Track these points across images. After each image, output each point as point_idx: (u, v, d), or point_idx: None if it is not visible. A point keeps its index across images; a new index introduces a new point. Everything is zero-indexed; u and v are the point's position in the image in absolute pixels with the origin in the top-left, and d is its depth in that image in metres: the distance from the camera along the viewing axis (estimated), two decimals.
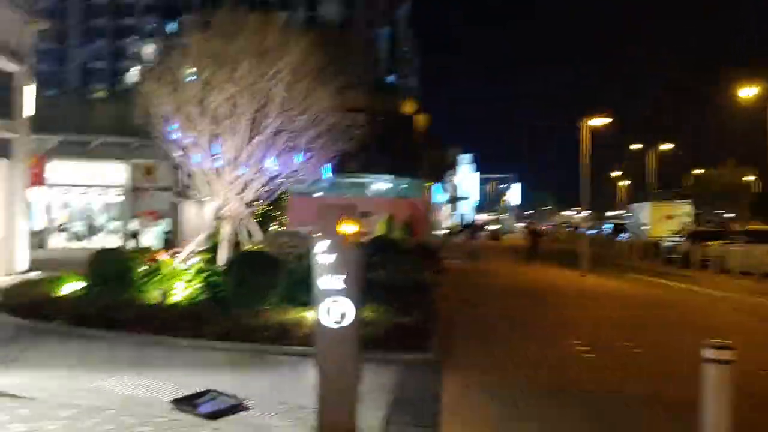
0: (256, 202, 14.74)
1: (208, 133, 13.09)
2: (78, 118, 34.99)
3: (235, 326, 9.33)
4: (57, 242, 35.55)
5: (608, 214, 73.89)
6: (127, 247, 32.87)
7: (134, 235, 35.84)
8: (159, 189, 38.03)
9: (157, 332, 9.45)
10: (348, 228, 5.36)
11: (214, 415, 5.91)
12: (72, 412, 6.09)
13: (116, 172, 36.66)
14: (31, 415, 5.97)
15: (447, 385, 7.47)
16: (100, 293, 11.53)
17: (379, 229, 29.10)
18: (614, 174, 72.44)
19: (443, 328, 10.66)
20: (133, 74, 79.75)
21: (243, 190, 13.65)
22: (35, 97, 25.95)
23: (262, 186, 13.77)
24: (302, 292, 10.55)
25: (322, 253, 5.41)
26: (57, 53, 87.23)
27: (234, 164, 13.33)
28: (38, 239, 34.77)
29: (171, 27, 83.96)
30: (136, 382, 7.10)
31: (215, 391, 6.43)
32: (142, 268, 12.28)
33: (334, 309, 5.39)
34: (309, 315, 9.79)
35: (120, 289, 11.57)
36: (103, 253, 12.55)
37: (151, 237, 36.98)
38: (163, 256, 16.57)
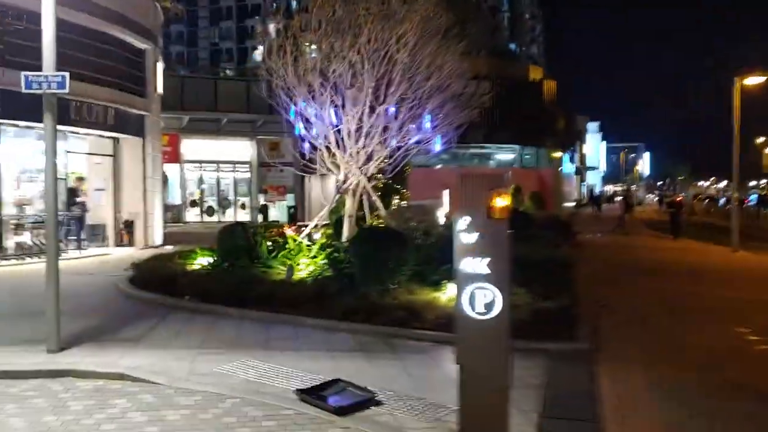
0: (378, 176, 14.15)
1: (329, 104, 12.59)
2: (208, 97, 36.12)
3: (361, 306, 8.77)
4: (191, 216, 37.14)
5: (752, 183, 67.72)
6: (256, 221, 33.82)
7: (262, 209, 36.74)
8: (284, 164, 38.71)
9: (282, 310, 9.08)
10: (496, 202, 4.50)
11: (343, 411, 5.31)
12: (194, 399, 5.71)
13: (244, 149, 37.66)
14: (152, 402, 5.64)
15: (603, 381, 6.49)
16: (227, 268, 11.40)
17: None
18: (760, 140, 66.16)
19: (589, 312, 9.58)
20: (258, 52, 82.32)
21: (365, 163, 13.08)
22: (168, 76, 26.85)
23: (385, 158, 13.13)
24: (431, 270, 9.87)
25: (464, 231, 4.59)
26: (188, 35, 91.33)
27: (356, 136, 12.78)
28: (174, 214, 36.52)
29: (294, 4, 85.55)
30: (261, 367, 6.67)
31: (343, 381, 5.83)
32: (268, 243, 12.05)
33: (479, 297, 4.57)
34: (440, 296, 9.07)
35: (247, 265, 11.38)
36: (231, 228, 12.41)
37: (277, 211, 37.82)
38: (288, 231, 16.46)
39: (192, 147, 36.44)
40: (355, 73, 12.19)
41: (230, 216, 37.65)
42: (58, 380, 6.26)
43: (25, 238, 16.15)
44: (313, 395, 5.56)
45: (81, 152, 19.14)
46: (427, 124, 13.11)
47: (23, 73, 6.89)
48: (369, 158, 13.01)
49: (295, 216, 31.43)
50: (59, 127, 17.33)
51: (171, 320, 9.05)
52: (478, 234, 4.53)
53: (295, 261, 11.06)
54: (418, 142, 13.05)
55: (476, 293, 4.58)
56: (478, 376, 4.60)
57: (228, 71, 65.07)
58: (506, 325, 4.60)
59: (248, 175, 38.50)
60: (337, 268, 10.32)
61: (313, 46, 12.60)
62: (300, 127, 13.16)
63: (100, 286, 12.08)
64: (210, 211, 37.47)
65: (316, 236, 13.33)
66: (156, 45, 20.46)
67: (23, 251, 15.86)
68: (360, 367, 6.64)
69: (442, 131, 13.19)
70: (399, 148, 13.03)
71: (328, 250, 11.09)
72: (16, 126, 16.08)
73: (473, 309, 4.59)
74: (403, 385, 6.08)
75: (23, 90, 6.93)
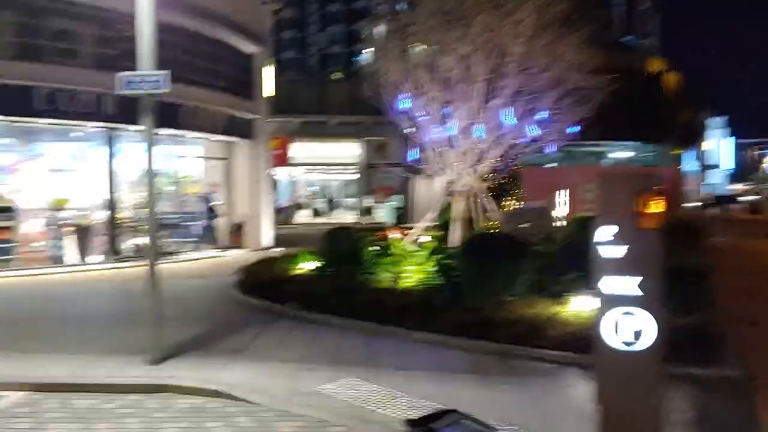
0: (491, 176, 13.32)
1: (438, 100, 11.93)
2: (316, 101, 36.51)
3: (473, 319, 8.04)
4: (300, 218, 37.65)
5: None
6: (362, 223, 33.76)
7: (368, 211, 36.67)
8: (390, 165, 38.51)
9: (387, 321, 8.50)
10: (648, 207, 3.67)
11: None
12: (294, 426, 5.21)
13: (351, 150, 37.75)
14: (249, 428, 5.19)
15: (766, 417, 5.43)
16: (332, 274, 10.99)
17: None
18: None
19: (735, 330, 8.36)
20: (366, 55, 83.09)
21: (477, 162, 12.31)
22: (278, 81, 27.19)
23: (499, 157, 12.30)
24: (552, 280, 8.98)
25: (607, 243, 3.79)
26: (298, 41, 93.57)
27: (467, 133, 12.04)
28: (284, 216, 37.15)
29: (402, 6, 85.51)
30: (366, 388, 6.09)
31: (458, 412, 5.13)
32: (373, 247, 11.54)
33: (626, 324, 3.76)
34: (563, 309, 8.17)
35: (352, 270, 10.92)
36: (334, 232, 12.03)
37: (383, 213, 37.63)
38: (393, 234, 15.94)
39: (301, 150, 36.90)
40: (467, 67, 11.46)
41: (338, 218, 37.89)
42: (155, 396, 5.97)
43: (143, 240, 16.57)
44: (425, 428, 4.90)
45: (196, 156, 19.54)
46: (542, 121, 12.15)
47: (119, 75, 6.69)
48: (480, 157, 12.24)
49: (402, 218, 30.99)
50: (173, 131, 17.89)
51: (274, 328, 8.70)
52: (626, 247, 3.72)
53: (401, 268, 10.48)
54: (533, 140, 12.13)
55: (622, 319, 3.76)
56: (622, 421, 3.78)
57: (337, 74, 65.75)
58: (659, 359, 3.75)
59: (355, 176, 38.58)
60: (447, 277, 9.63)
61: (420, 41, 11.98)
62: (407, 126, 12.57)
63: (210, 290, 12.03)
64: (318, 213, 37.84)
65: (422, 239, 12.73)
66: (264, 48, 20.59)
67: (140, 253, 16.27)
68: (476, 393, 5.93)
69: (558, 128, 12.19)
70: (512, 146, 12.16)
71: (437, 256, 10.42)
72: (139, 131, 16.53)
73: (618, 338, 3.78)
74: (527, 418, 5.30)
75: (120, 91, 6.74)
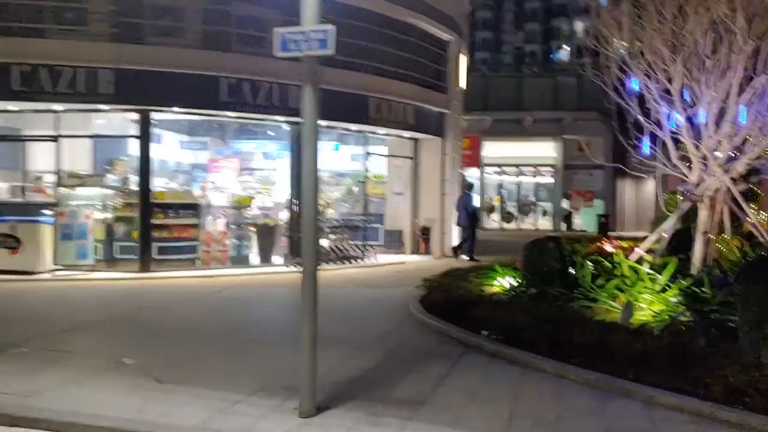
0: (748, 177, 10.28)
1: (681, 79, 9.25)
2: (512, 96, 34.13)
3: (752, 380, 5.46)
4: (490, 223, 35.45)
5: None
6: (561, 230, 30.73)
7: (566, 217, 33.52)
8: (592, 167, 34.95)
9: (618, 372, 6.16)
10: None
11: None
12: None
13: (547, 150, 34.85)
14: None
15: None
16: (536, 296, 8.81)
17: None
18: None
19: None
20: (565, 52, 78.45)
21: (730, 159, 9.43)
22: (471, 77, 25.33)
23: (762, 152, 9.30)
24: None
25: None
26: (493, 40, 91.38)
27: (720, 121, 9.23)
28: None
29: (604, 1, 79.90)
30: None
31: None
32: (590, 266, 9.18)
33: None
34: None
35: (561, 294, 8.66)
36: (541, 244, 9.79)
37: (582, 219, 34.24)
38: (608, 247, 13.29)
39: (492, 149, 34.74)
40: (725, 31, 8.69)
41: (530, 223, 35.17)
42: None
43: (324, 243, 15.48)
44: None
45: (381, 154, 18.27)
46: None
47: (278, 31, 5.10)
48: (734, 153, 9.35)
49: (607, 226, 27.57)
50: (359, 126, 16.72)
51: (465, 367, 6.74)
52: None
53: (632, 295, 8.01)
54: None
55: None
56: None
57: (534, 70, 62.45)
58: None
59: (551, 179, 35.58)
60: (701, 312, 7.05)
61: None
62: (634, 113, 9.98)
63: (387, 304, 10.40)
64: (509, 218, 35.37)
65: (639, 251, 10.14)
66: (460, 36, 18.80)
67: (320, 257, 15.19)
68: None
69: None
70: None
71: (683, 282, 7.82)
72: (319, 125, 15.49)
73: None
74: None
75: (278, 53, 5.15)
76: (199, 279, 13.13)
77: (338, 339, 7.89)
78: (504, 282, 10.14)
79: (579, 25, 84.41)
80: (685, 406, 5.48)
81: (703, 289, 7.58)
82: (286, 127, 15.08)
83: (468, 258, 16.82)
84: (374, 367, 6.72)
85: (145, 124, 13.62)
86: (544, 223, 34.72)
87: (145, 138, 13.63)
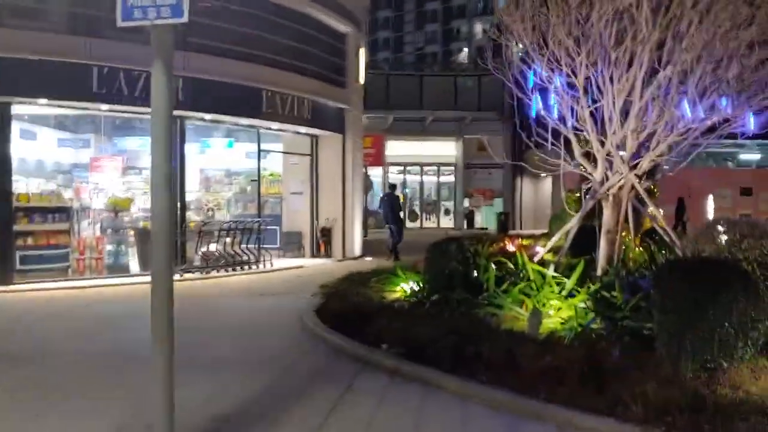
0: (653, 175, 10.06)
1: (584, 71, 8.86)
2: (413, 95, 33.82)
3: (673, 396, 4.97)
4: None
5: None
6: (463, 229, 30.65)
7: (469, 216, 33.56)
8: (491, 166, 35.24)
9: (530, 389, 5.54)
10: None
11: None
12: None
13: (449, 149, 34.80)
14: None
15: None
16: (438, 303, 8.16)
17: None
18: None
19: None
20: (464, 54, 79.60)
21: (635, 156, 9.14)
22: (372, 75, 24.69)
23: (669, 148, 9.05)
24: None
25: None
26: (394, 41, 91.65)
27: (623, 117, 8.91)
28: (377, 220, 34.58)
29: (501, 3, 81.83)
30: None
31: None
32: (493, 267, 8.63)
33: None
34: None
35: (465, 299, 8.05)
36: (442, 246, 9.17)
37: (482, 218, 34.41)
38: (510, 247, 12.95)
39: (395, 148, 34.33)
40: (631, 20, 8.36)
41: (433, 222, 35.01)
42: None
43: (213, 248, 14.31)
44: None
45: (276, 151, 17.25)
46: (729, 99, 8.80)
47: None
48: (642, 147, 9.07)
49: (506, 224, 27.69)
50: (251, 121, 15.64)
51: (361, 390, 5.94)
52: None
53: (539, 300, 7.49)
54: (725, 122, 8.78)
55: None
56: None
57: (434, 68, 62.81)
58: None
59: (452, 177, 35.60)
60: (612, 319, 6.58)
61: None
62: (536, 108, 9.52)
63: (281, 316, 9.47)
64: (413, 216, 35.03)
65: (541, 251, 9.77)
66: (359, 29, 18.05)
67: (209, 263, 14.01)
68: None
69: (754, 107, 8.79)
70: (687, 131, 8.85)
71: (591, 285, 7.38)
72: (203, 120, 14.33)
73: None
74: None
75: (121, 23, 4.14)
76: (69, 291, 11.69)
77: (222, 360, 6.96)
78: (407, 287, 9.45)
79: (478, 27, 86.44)
80: (603, 429, 4.92)
81: (613, 293, 7.15)
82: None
83: (393, 258, 16.37)
84: (260, 394, 5.80)
85: (4, 117, 12.02)
86: (447, 222, 34.67)
87: (3, 133, 12.01)
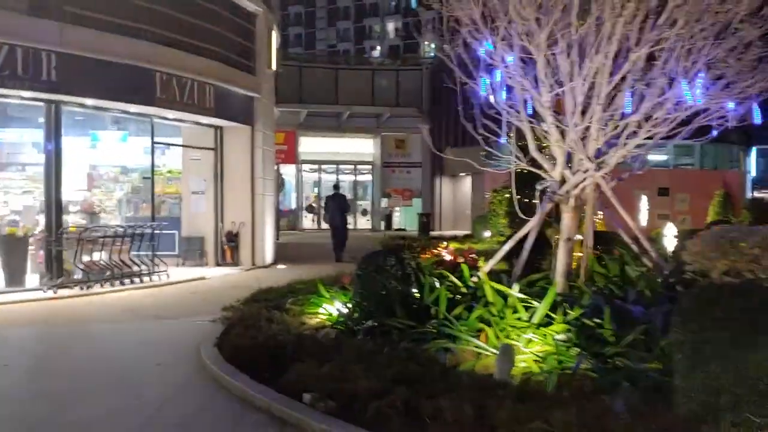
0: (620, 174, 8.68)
1: (545, 50, 7.40)
2: (328, 89, 32.05)
3: None
4: (308, 223, 33.07)
5: None
6: (381, 230, 29.03)
7: (388, 217, 32.08)
8: (410, 165, 33.97)
9: None
10: None
11: None
12: None
13: (366, 147, 33.28)
14: None
15: None
16: (376, 334, 6.47)
17: (712, 212, 21.56)
18: None
19: None
20: (377, 53, 78.40)
21: (601, 149, 7.78)
22: (285, 67, 22.69)
23: (641, 141, 7.72)
24: None
25: None
26: (306, 37, 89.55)
27: (590, 105, 7.52)
28: (290, 221, 32.54)
29: (414, 3, 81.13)
30: None
31: None
32: (440, 286, 7.02)
33: None
34: None
35: (411, 329, 6.40)
36: (375, 259, 7.49)
37: (402, 219, 33.08)
38: (446, 255, 11.49)
39: (309, 145, 32.51)
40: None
41: (350, 223, 33.30)
42: None
43: (97, 257, 12.04)
44: None
45: (173, 144, 15.06)
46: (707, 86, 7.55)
47: None
48: (609, 141, 7.71)
49: (428, 225, 26.37)
50: (142, 108, 13.43)
51: None
52: None
53: (503, 330, 5.92)
54: (694, 115, 7.50)
55: None
56: None
57: (349, 62, 61.16)
58: None
59: (369, 177, 34.08)
60: (600, 356, 5.10)
61: None
62: (487, 91, 7.99)
63: (173, 350, 7.49)
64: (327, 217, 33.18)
65: (489, 263, 8.26)
66: (270, 9, 16.10)
67: (92, 276, 11.74)
68: None
69: (734, 97, 7.59)
70: (663, 122, 7.54)
71: (571, 311, 5.88)
72: (83, 106, 12.01)
73: None
74: None
75: None
76: None
77: (85, 426, 5.00)
78: (332, 309, 7.70)
79: (390, 26, 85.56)
80: None
81: (597, 320, 5.69)
82: (35, 104, 11.40)
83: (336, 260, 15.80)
84: None
85: None
86: (365, 223, 33.12)
87: None
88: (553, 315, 5.99)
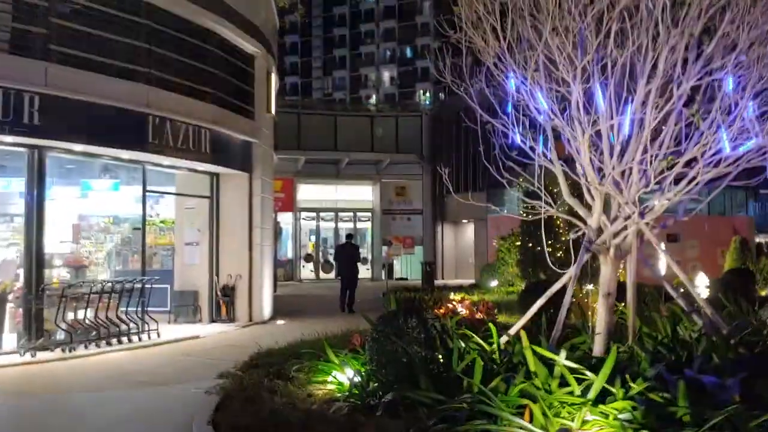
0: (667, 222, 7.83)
1: (580, 84, 6.63)
2: (327, 136, 31.55)
3: None
4: (306, 273, 32.06)
5: None
6: (382, 279, 27.90)
7: (388, 265, 31.11)
8: (410, 212, 33.23)
9: None
10: None
11: None
12: None
13: (365, 194, 32.55)
14: None
15: None
16: (399, 410, 5.49)
17: (729, 259, 20.67)
18: None
19: None
20: (373, 101, 78.73)
21: (643, 191, 6.93)
22: (283, 114, 22.11)
23: (687, 185, 6.88)
24: None
25: None
26: (302, 86, 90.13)
27: (629, 144, 6.72)
28: (287, 271, 31.53)
29: (409, 53, 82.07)
30: None
31: None
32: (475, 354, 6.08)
33: None
34: None
35: (440, 405, 5.43)
36: (392, 320, 6.57)
37: (404, 267, 32.15)
38: (461, 308, 10.53)
39: (308, 193, 31.77)
40: (639, 21, 6.23)
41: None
42: None
43: (82, 315, 11.06)
44: None
45: (166, 192, 14.24)
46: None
47: None
48: (652, 183, 6.86)
49: (432, 274, 25.38)
50: (134, 154, 12.63)
51: None
52: None
53: (552, 407, 4.98)
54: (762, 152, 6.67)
55: None
56: None
57: (349, 108, 61.15)
58: None
59: (369, 224, 33.24)
60: None
61: None
62: (507, 134, 7.19)
63: (162, 427, 6.49)
64: (327, 267, 32.20)
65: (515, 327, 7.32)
66: (269, 51, 15.50)
67: (76, 336, 10.73)
68: None
69: None
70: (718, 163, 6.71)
71: (633, 385, 4.94)
72: (70, 152, 11.19)
73: None
74: None
75: None
76: None
77: None
78: (343, 378, 6.73)
79: (386, 75, 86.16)
80: None
81: (665, 395, 4.76)
82: (17, 150, 10.58)
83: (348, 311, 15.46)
84: None
85: None
86: (365, 272, 32.07)
87: None
88: (609, 388, 5.05)
